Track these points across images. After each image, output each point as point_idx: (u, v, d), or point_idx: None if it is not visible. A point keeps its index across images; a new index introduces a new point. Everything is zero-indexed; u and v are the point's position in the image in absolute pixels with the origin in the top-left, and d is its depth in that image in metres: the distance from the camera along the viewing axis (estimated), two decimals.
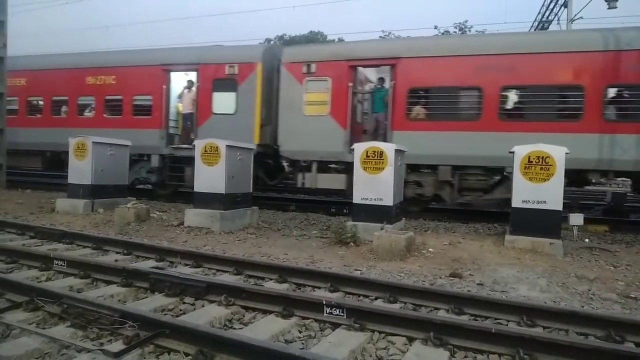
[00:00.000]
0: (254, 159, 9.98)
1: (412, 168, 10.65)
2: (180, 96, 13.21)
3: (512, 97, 10.49)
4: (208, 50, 13.18)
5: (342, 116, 11.11)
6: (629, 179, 11.28)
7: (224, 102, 12.13)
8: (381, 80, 11.65)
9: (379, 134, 11.43)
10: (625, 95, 9.61)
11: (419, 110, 10.75)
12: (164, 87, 12.84)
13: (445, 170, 10.43)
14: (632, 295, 5.16)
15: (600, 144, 9.27)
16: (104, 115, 13.63)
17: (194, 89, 12.71)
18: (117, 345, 3.22)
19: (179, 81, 13.26)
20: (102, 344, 3.32)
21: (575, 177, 9.53)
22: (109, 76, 13.51)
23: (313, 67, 11.34)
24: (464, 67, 10.26)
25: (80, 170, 10.26)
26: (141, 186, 14.10)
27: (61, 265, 5.36)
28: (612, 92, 9.62)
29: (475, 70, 10.14)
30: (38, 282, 4.91)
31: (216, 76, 12.24)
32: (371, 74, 12.48)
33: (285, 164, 12.11)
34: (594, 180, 10.16)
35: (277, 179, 12.89)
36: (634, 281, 5.78)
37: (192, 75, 12.79)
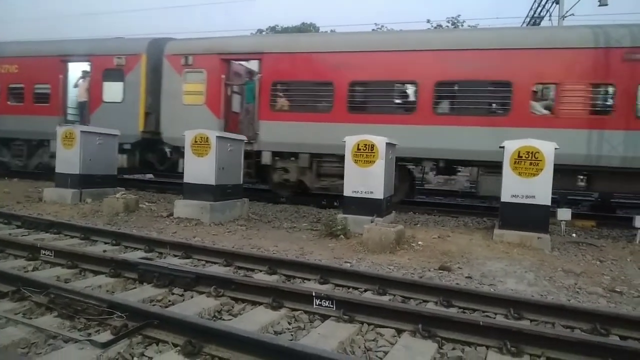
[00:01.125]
0: (143, 144, 11.30)
1: (279, 155, 11.56)
2: (76, 85, 13.81)
3: (359, 91, 11.30)
4: (99, 42, 14.02)
5: (216, 106, 11.92)
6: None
7: (112, 91, 12.98)
8: (250, 73, 12.77)
9: (249, 123, 12.27)
10: (444, 90, 10.65)
11: (281, 102, 11.55)
12: (61, 76, 13.67)
13: (304, 158, 11.28)
14: (617, 290, 5.24)
15: (431, 134, 10.28)
16: (8, 102, 14.43)
17: (88, 78, 13.36)
18: (105, 336, 3.20)
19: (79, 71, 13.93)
20: (89, 334, 3.29)
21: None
22: (12, 65, 14.33)
23: (190, 59, 12.14)
24: (319, 63, 11.19)
25: (68, 160, 10.14)
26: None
27: (48, 255, 5.30)
28: (439, 89, 10.44)
29: (328, 66, 11.03)
30: (25, 271, 4.86)
31: (106, 67, 13.04)
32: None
33: (167, 150, 13.17)
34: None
35: (165, 164, 13.73)
36: (619, 276, 5.87)
37: (88, 66, 13.47)
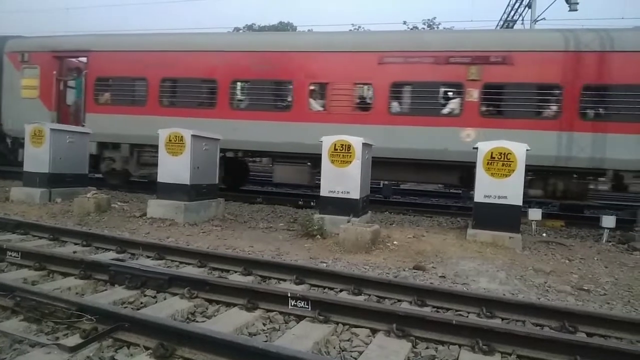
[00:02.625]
0: None
1: (106, 146, 12.58)
2: None
3: (169, 87, 12.42)
4: None
5: (49, 100, 12.92)
6: None
7: None
8: (78, 70, 13.57)
9: (78, 116, 13.24)
10: (239, 88, 12.07)
11: (105, 96, 12.67)
12: None
13: (125, 148, 12.35)
14: (585, 288, 5.39)
15: (229, 128, 11.23)
16: None
17: None
18: (73, 340, 3.11)
19: None
20: (57, 338, 3.20)
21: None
22: None
23: (27, 56, 13.17)
24: (135, 61, 12.28)
25: (37, 158, 9.85)
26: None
27: (15, 256, 5.13)
28: (234, 86, 11.80)
29: (143, 63, 12.15)
30: None
31: None
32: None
33: (8, 140, 13.88)
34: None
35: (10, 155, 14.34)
36: (587, 274, 6.04)
37: None
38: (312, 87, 11.20)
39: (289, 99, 11.34)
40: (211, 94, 11.83)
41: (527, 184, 9.66)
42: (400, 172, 11.17)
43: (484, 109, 10.22)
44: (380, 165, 10.03)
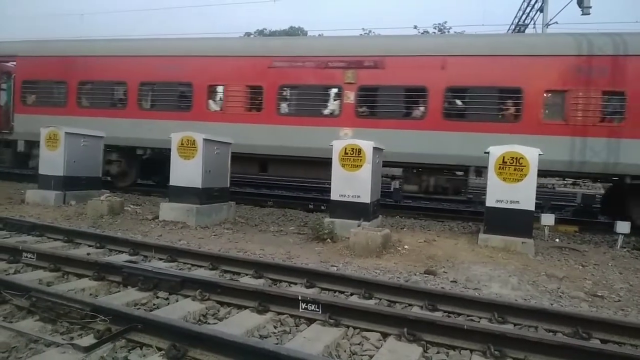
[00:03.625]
0: None
1: (33, 144, 12.66)
2: None
3: (87, 89, 13.41)
4: None
5: None
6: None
7: None
8: (9, 74, 14.43)
9: (8, 116, 14.03)
10: (146, 90, 12.84)
11: (30, 98, 13.76)
12: None
13: None
14: (599, 294, 5.32)
15: (139, 127, 12.34)
16: None
17: None
18: (87, 340, 3.15)
19: None
20: (72, 338, 3.25)
21: None
22: None
23: None
24: (55, 65, 13.35)
25: (51, 161, 10.01)
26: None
27: (30, 257, 5.22)
28: (143, 88, 12.71)
29: (63, 68, 13.20)
30: (6, 274, 4.77)
31: None
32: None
33: None
34: None
35: None
36: (600, 280, 5.96)
37: None
38: (210, 89, 12.24)
39: (190, 100, 12.26)
40: (123, 95, 12.93)
41: (403, 181, 11.34)
42: (290, 169, 12.03)
43: (359, 110, 11.06)
44: (271, 163, 11.67)
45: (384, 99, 10.96)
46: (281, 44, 12.50)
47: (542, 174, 8.59)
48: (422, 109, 10.71)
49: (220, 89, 12.25)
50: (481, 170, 10.03)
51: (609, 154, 9.52)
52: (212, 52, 12.24)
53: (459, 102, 10.83)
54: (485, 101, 10.26)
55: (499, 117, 10.38)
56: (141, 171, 13.86)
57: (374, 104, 11.17)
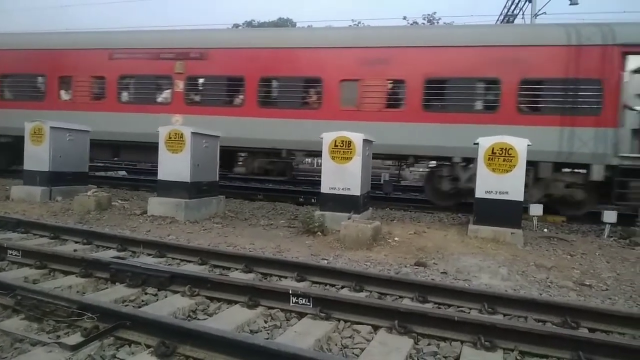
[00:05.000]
0: None
1: None
2: None
3: (8, 82, 13.71)
4: None
5: None
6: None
7: None
8: None
9: None
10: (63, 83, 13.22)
11: None
12: None
13: None
14: (587, 283, 5.38)
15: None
16: None
17: None
18: (74, 338, 3.11)
19: None
20: (58, 337, 3.19)
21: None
22: None
23: None
24: None
25: (37, 156, 9.84)
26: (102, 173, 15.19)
27: (15, 255, 5.13)
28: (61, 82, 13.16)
29: None
30: None
31: None
32: None
33: None
34: None
35: None
36: (588, 269, 6.03)
37: None
38: (61, 80, 13.04)
39: (44, 90, 13.24)
40: (43, 87, 13.33)
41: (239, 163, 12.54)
42: (138, 154, 12.82)
43: (188, 98, 12.06)
44: (122, 149, 12.64)
45: (209, 88, 12.05)
46: (120, 37, 13.29)
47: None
48: (241, 97, 11.69)
49: (70, 79, 13.03)
50: (293, 153, 11.58)
51: (400, 138, 10.51)
52: (63, 45, 13.16)
53: (272, 90, 11.78)
54: (294, 90, 11.38)
55: (307, 105, 11.40)
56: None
57: (200, 93, 12.28)
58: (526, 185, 9.31)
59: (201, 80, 12.17)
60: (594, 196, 10.13)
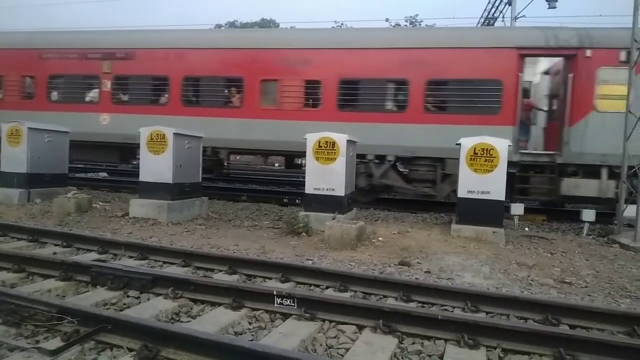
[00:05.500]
0: None
1: None
2: None
3: None
4: None
5: None
6: None
7: None
8: None
9: None
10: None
11: None
12: None
13: None
14: (567, 281, 5.48)
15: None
16: None
17: None
18: (54, 343, 3.04)
19: None
20: (37, 342, 3.13)
21: None
22: None
23: None
24: None
25: (14, 158, 9.61)
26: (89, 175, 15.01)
27: None
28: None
29: None
30: None
31: None
32: None
33: None
34: None
35: None
36: (568, 267, 6.14)
37: None
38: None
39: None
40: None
41: None
42: (76, 152, 12.19)
43: (115, 97, 12.29)
44: None
45: (135, 87, 12.29)
46: (50, 37, 13.34)
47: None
48: (166, 96, 12.00)
49: (1, 79, 13.20)
50: (218, 151, 11.73)
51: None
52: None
53: (196, 90, 12.17)
54: (217, 89, 11.80)
55: (230, 104, 11.75)
56: None
57: (127, 92, 12.49)
58: (436, 182, 10.28)
59: (127, 80, 12.40)
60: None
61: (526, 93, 11.26)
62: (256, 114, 11.19)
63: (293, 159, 13.06)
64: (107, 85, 12.28)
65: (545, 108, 11.39)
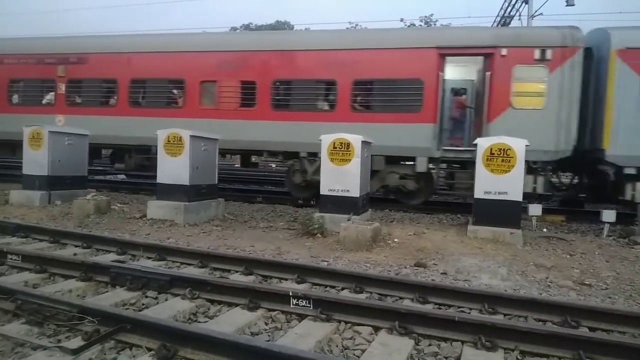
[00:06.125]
0: None
1: None
2: None
3: None
4: None
5: None
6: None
7: None
8: None
9: None
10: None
11: None
12: None
13: None
14: (587, 282, 5.39)
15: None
16: None
17: None
18: (75, 342, 3.10)
19: None
20: (59, 341, 3.19)
21: None
22: None
23: None
24: None
25: (36, 161, 9.83)
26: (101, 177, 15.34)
27: (15, 259, 5.12)
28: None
29: None
30: None
31: None
32: None
33: None
34: None
35: None
36: (588, 269, 6.04)
37: None
38: None
39: None
40: None
41: (114, 160, 13.45)
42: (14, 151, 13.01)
43: (69, 99, 12.93)
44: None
45: (87, 90, 12.92)
46: (9, 43, 14.08)
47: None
48: (115, 97, 12.58)
49: None
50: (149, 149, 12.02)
51: (253, 135, 11.39)
52: None
53: (141, 91, 12.69)
54: (160, 90, 12.41)
55: (172, 104, 12.29)
56: None
57: (80, 94, 13.05)
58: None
59: (80, 83, 12.96)
60: (429, 186, 11.15)
61: (460, 91, 11.63)
62: (197, 114, 11.67)
63: (249, 157, 13.33)
64: (62, 88, 12.93)
65: (473, 105, 11.60)
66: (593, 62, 9.96)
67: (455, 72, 11.65)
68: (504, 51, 9.89)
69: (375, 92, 11.02)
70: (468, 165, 10.15)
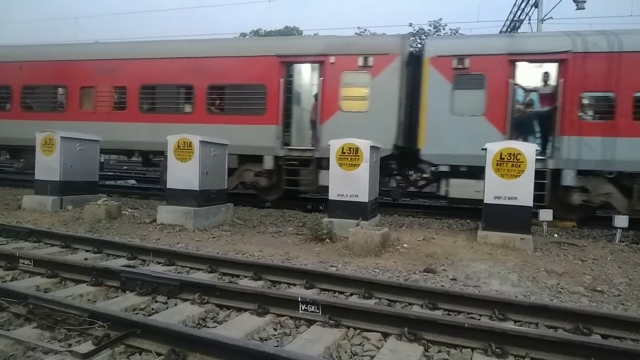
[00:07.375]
0: None
1: None
2: None
3: None
4: None
5: None
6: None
7: None
8: None
9: None
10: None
11: None
12: None
13: None
14: (599, 289, 5.32)
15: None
16: None
17: None
18: (86, 346, 3.13)
19: None
20: (70, 345, 3.22)
21: None
22: None
23: None
24: None
25: (47, 166, 9.95)
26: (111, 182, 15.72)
27: (27, 264, 5.18)
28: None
29: None
30: (3, 281, 4.75)
31: None
32: None
33: None
34: None
35: None
36: (600, 275, 5.96)
37: None
38: None
39: None
40: None
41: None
42: None
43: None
44: None
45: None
46: None
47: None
48: (9, 103, 13.76)
49: None
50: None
51: (125, 136, 12.42)
52: None
53: (30, 97, 13.83)
54: (45, 96, 13.64)
55: (56, 108, 13.47)
56: None
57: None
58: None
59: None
60: (283, 183, 11.54)
61: (316, 96, 12.00)
62: (78, 117, 12.80)
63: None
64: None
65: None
66: (419, 69, 10.68)
67: (305, 78, 12.61)
68: (332, 59, 10.78)
69: (227, 96, 11.91)
70: (310, 163, 10.99)
